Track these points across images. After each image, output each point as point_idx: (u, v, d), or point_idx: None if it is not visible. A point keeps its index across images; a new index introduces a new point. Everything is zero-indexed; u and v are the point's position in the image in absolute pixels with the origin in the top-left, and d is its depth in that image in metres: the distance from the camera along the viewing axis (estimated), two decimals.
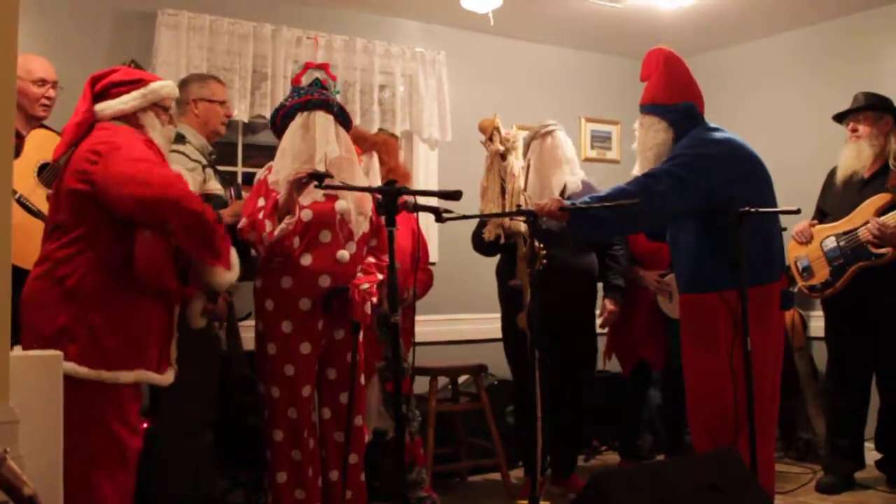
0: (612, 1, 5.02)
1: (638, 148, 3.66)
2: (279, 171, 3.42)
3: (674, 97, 3.56)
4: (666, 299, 4.51)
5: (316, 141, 3.40)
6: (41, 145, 3.56)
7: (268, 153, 5.17)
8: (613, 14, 5.23)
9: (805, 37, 5.46)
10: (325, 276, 3.42)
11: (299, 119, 3.46)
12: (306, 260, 3.41)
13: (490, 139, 4.08)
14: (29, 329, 2.73)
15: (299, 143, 3.42)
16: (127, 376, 2.75)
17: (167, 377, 2.89)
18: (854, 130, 4.41)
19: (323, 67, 4.86)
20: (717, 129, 3.55)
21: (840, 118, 4.51)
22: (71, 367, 2.61)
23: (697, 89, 3.64)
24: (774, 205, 3.53)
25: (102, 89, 2.91)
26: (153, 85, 2.96)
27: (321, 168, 3.37)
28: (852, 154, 4.39)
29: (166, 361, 2.89)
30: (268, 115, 4.71)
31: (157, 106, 2.97)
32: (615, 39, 5.76)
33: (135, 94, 2.91)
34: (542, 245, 3.94)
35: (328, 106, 3.47)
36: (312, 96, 3.49)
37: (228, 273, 2.90)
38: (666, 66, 3.61)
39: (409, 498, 3.96)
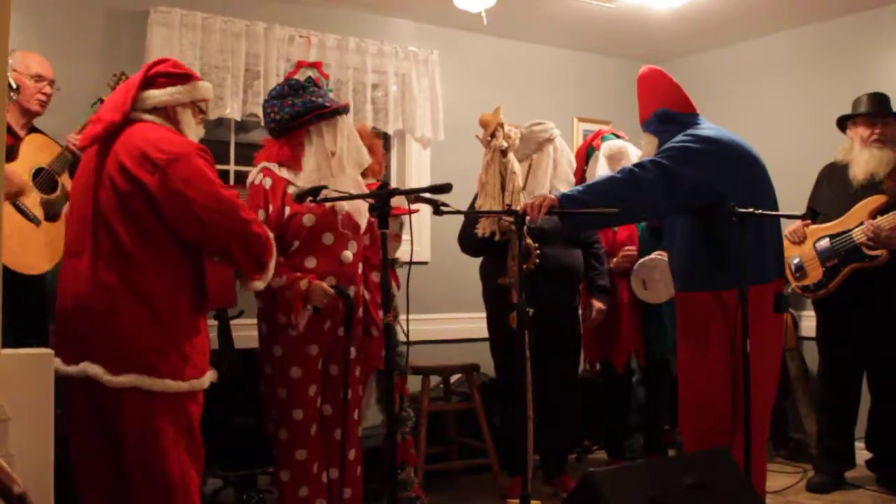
0: (604, 1, 5.03)
1: None
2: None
3: (649, 109, 3.67)
4: (640, 286, 4.53)
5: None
6: (36, 150, 3.59)
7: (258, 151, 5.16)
8: (606, 14, 5.23)
9: (799, 37, 5.47)
10: (330, 277, 3.40)
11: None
12: (310, 263, 3.37)
13: (493, 135, 4.07)
14: (107, 344, 2.67)
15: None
16: (205, 380, 2.82)
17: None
18: (881, 135, 4.34)
19: (315, 66, 4.89)
20: (710, 127, 3.56)
21: (853, 118, 4.43)
22: (164, 383, 2.68)
23: (673, 92, 3.65)
24: (771, 202, 3.54)
25: (153, 76, 2.88)
26: (199, 83, 2.95)
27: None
28: (877, 159, 4.31)
29: None
30: (260, 113, 4.70)
31: (195, 104, 2.96)
32: (608, 39, 5.77)
33: (180, 87, 2.89)
34: (535, 244, 3.95)
35: (347, 111, 3.49)
36: (343, 105, 3.51)
37: (262, 282, 2.99)
38: (641, 85, 3.73)
39: (399, 498, 3.96)
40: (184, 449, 2.72)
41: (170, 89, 2.88)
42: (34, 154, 3.57)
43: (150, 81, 2.87)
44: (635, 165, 3.46)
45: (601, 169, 4.56)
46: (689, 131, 3.52)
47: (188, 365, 2.75)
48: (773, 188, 3.59)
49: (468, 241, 4.29)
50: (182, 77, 2.91)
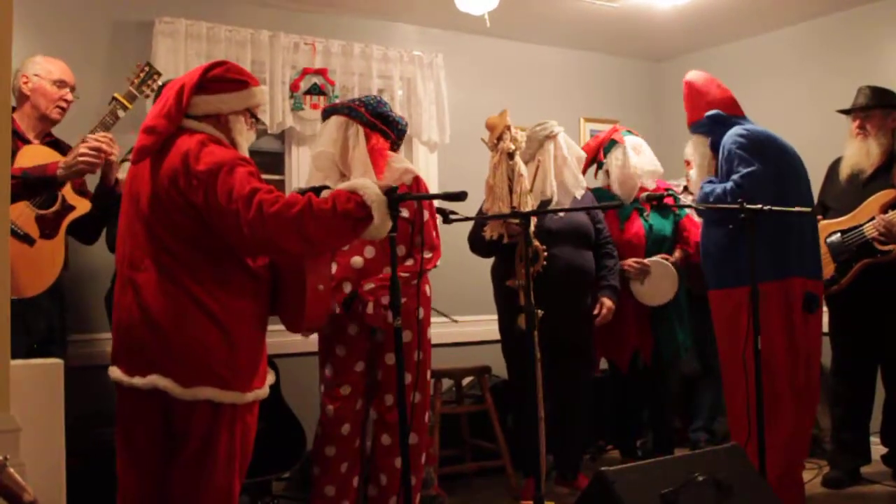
0: (608, 0, 5.02)
1: (694, 162, 4.21)
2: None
3: (699, 112, 4.07)
4: (638, 283, 4.55)
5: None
6: (30, 162, 3.33)
7: (267, 159, 5.18)
8: (610, 13, 5.23)
9: (803, 32, 5.46)
10: (347, 282, 3.53)
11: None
12: (333, 268, 3.51)
13: (500, 138, 4.08)
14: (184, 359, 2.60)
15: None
16: (265, 389, 2.78)
17: None
18: (861, 128, 4.38)
19: (321, 73, 4.91)
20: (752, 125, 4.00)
21: (846, 112, 4.49)
22: (233, 395, 2.63)
23: (720, 94, 4.08)
24: (810, 197, 3.92)
25: (210, 79, 2.72)
26: (255, 89, 2.79)
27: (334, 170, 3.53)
28: (860, 152, 4.37)
29: None
30: (267, 121, 4.72)
31: (249, 111, 2.82)
32: (612, 39, 5.76)
33: (234, 94, 2.73)
34: (543, 246, 3.95)
35: (336, 111, 3.58)
36: (333, 104, 3.68)
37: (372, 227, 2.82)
38: (688, 90, 4.15)
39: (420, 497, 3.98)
40: (236, 458, 2.68)
41: (223, 96, 2.72)
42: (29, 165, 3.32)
43: (203, 86, 2.71)
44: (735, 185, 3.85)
45: (634, 157, 4.63)
46: (742, 130, 3.94)
47: (255, 377, 2.71)
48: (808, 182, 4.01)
49: (477, 244, 4.31)
50: (237, 83, 2.75)
